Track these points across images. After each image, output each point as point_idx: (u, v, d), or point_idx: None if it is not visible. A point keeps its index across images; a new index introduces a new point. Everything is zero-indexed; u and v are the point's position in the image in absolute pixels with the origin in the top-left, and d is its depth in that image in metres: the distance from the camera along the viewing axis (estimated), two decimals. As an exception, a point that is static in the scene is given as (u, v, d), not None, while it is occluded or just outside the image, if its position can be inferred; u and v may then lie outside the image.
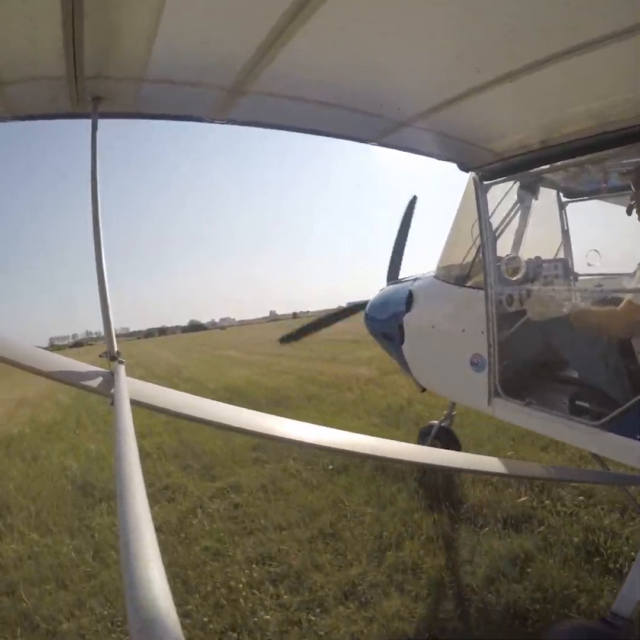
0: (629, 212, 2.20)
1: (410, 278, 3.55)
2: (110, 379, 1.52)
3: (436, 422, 4.00)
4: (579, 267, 3.26)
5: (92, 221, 1.62)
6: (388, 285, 3.83)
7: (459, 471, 3.48)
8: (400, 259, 3.97)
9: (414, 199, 3.96)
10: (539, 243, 3.15)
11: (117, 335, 1.63)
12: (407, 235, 3.99)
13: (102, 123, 1.71)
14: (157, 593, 0.50)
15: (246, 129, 2.24)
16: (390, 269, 3.96)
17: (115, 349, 1.61)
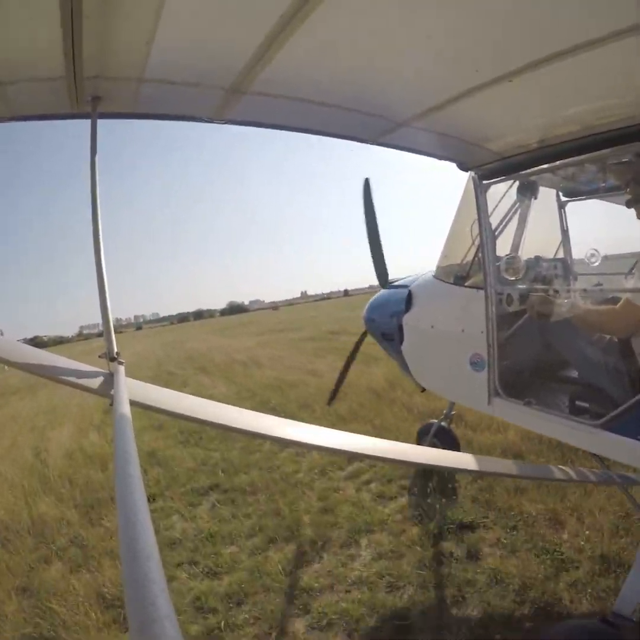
0: (629, 206, 2.17)
1: (409, 278, 3.53)
2: (109, 380, 1.52)
3: (435, 421, 4.00)
4: (578, 265, 3.26)
5: (91, 220, 1.62)
6: (386, 288, 3.65)
7: (458, 471, 3.48)
8: (382, 256, 3.56)
9: (367, 182, 3.43)
10: (538, 242, 3.16)
11: (146, 321, 1.63)
12: (377, 226, 3.48)
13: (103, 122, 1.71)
14: (156, 593, 0.50)
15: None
16: (377, 272, 3.59)
17: (115, 349, 1.61)
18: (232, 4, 1.24)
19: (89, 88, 1.59)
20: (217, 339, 26.62)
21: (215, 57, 1.49)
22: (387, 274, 3.62)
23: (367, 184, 3.45)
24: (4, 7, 1.17)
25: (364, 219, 3.48)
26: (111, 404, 1.32)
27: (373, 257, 3.57)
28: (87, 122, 1.69)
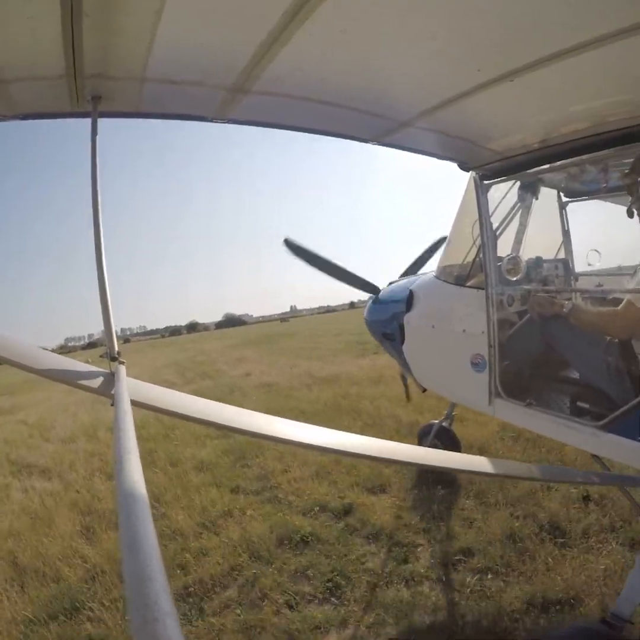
0: (630, 215, 2.18)
1: (412, 277, 3.55)
2: (110, 380, 1.51)
3: (436, 422, 4.00)
4: (579, 266, 3.26)
5: (92, 222, 1.61)
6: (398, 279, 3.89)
7: (458, 472, 3.48)
8: (349, 274, 3.78)
9: (287, 241, 3.70)
10: (539, 243, 3.15)
11: (134, 334, 1.62)
12: (321, 258, 3.72)
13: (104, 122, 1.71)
14: (157, 592, 0.50)
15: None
16: (359, 288, 3.87)
17: (116, 349, 1.60)
18: (234, 2, 1.24)
19: (90, 87, 1.59)
20: (287, 360, 15.04)
21: (217, 56, 1.49)
22: (370, 283, 3.79)
23: (287, 242, 3.65)
24: (5, 5, 1.17)
25: (310, 264, 3.66)
26: (112, 404, 1.31)
27: (342, 280, 3.75)
28: (87, 121, 1.69)
